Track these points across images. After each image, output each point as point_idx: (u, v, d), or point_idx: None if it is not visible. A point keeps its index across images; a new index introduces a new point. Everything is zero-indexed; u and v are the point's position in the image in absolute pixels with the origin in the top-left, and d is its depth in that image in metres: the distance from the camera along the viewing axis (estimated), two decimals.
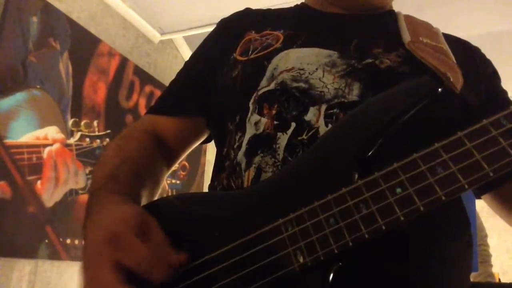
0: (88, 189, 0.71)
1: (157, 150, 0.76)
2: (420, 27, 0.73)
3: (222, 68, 0.77)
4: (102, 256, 0.51)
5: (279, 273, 0.50)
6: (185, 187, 3.25)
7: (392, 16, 0.78)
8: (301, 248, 0.50)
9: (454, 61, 0.68)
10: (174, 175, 3.14)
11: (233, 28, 0.83)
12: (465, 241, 0.64)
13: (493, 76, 0.76)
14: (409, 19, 0.75)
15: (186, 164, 3.26)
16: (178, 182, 3.17)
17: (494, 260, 2.58)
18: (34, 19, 2.13)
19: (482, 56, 0.78)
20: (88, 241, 0.55)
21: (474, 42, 0.80)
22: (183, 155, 0.85)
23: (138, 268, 0.50)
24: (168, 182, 3.07)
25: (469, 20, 2.54)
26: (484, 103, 0.70)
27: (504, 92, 0.76)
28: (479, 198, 0.77)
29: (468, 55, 0.75)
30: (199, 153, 3.44)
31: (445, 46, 0.71)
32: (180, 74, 0.87)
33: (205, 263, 0.54)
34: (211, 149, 3.39)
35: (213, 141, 0.84)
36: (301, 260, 0.50)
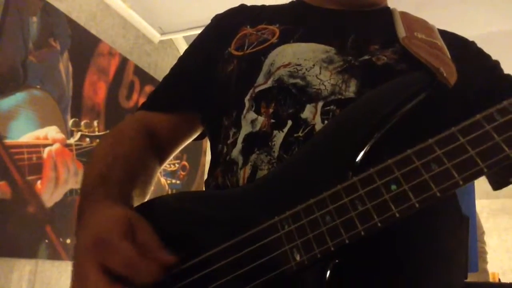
0: (80, 188, 0.70)
1: (149, 147, 0.75)
2: (415, 23, 0.73)
3: (217, 62, 0.77)
4: (89, 260, 0.51)
5: (276, 272, 0.50)
6: (185, 187, 3.24)
7: (387, 12, 0.78)
8: (298, 246, 0.50)
9: (449, 56, 0.67)
10: (174, 175, 3.13)
11: (227, 23, 0.82)
12: (460, 237, 0.64)
13: (494, 68, 0.75)
14: (404, 15, 0.75)
15: (186, 164, 3.26)
16: (178, 182, 3.17)
17: (494, 260, 2.59)
18: (34, 19, 2.14)
19: (479, 50, 0.77)
20: (77, 246, 0.55)
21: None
22: (175, 152, 0.84)
23: (123, 270, 0.50)
24: (168, 182, 3.07)
25: (468, 20, 2.54)
26: (484, 97, 0.69)
27: (509, 75, 0.74)
28: (507, 185, 0.65)
29: (464, 50, 0.75)
30: (199, 153, 3.44)
31: (440, 42, 0.70)
32: (173, 69, 0.85)
33: (202, 262, 0.54)
34: None
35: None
36: (297, 258, 0.50)
